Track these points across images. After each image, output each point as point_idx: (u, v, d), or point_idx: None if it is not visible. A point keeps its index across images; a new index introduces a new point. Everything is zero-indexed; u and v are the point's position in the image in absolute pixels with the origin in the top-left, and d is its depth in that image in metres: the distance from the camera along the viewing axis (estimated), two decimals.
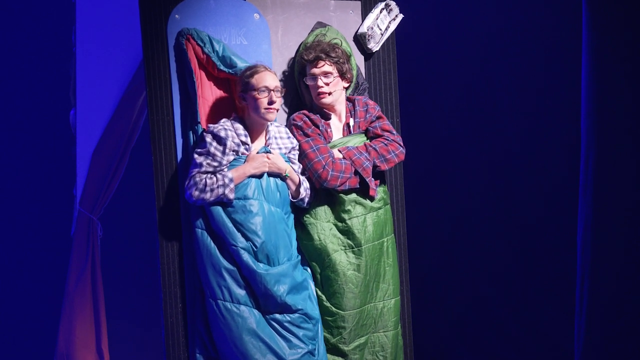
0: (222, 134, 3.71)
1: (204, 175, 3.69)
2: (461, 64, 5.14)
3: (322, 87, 3.95)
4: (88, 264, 4.86)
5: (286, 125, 4.02)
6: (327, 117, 4.02)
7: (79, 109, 4.78)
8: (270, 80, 3.75)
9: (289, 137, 3.93)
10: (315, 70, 3.94)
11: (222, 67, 3.85)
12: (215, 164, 3.70)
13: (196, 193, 3.67)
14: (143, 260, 5.70)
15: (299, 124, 3.95)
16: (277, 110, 3.80)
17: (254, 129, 3.82)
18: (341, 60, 3.97)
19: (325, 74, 3.95)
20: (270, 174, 3.81)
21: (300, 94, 4.09)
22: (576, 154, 3.92)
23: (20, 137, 5.73)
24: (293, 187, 3.87)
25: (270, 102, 3.74)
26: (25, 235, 5.76)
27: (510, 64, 4.90)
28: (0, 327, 5.69)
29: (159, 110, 3.85)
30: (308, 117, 3.97)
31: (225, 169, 3.73)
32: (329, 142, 4.01)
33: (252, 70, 3.77)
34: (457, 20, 5.16)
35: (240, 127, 3.77)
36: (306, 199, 3.91)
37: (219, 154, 3.71)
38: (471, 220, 5.14)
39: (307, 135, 3.93)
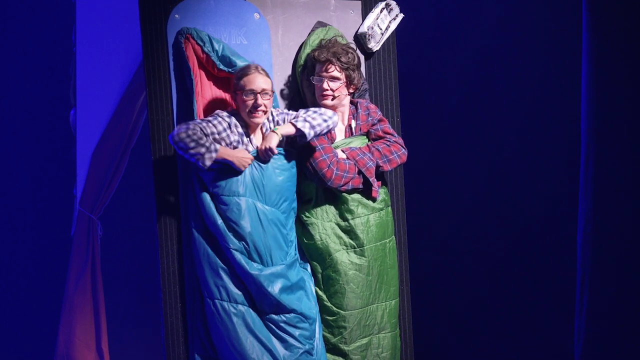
0: (227, 119, 3.72)
1: (198, 128, 3.62)
2: (461, 64, 5.14)
3: (327, 89, 3.94)
4: (88, 264, 4.86)
5: None
6: None
7: (79, 109, 4.77)
8: (258, 82, 3.70)
9: (279, 114, 3.88)
10: (324, 74, 3.93)
11: (221, 67, 3.85)
12: (211, 129, 3.65)
13: (183, 135, 3.56)
14: (143, 260, 5.70)
15: None
16: (266, 113, 3.75)
17: (250, 125, 3.81)
18: (351, 67, 3.96)
19: (333, 78, 3.94)
20: (265, 161, 3.77)
21: (301, 93, 4.09)
22: (576, 154, 3.92)
23: (21, 137, 5.73)
24: (293, 131, 3.78)
25: (255, 106, 3.70)
26: (25, 235, 5.76)
27: (510, 64, 4.90)
28: (0, 327, 5.69)
29: (159, 110, 3.85)
30: None
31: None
32: (332, 143, 4.00)
33: (244, 71, 3.74)
34: (457, 20, 5.16)
35: (236, 121, 3.76)
36: (314, 127, 3.77)
37: (220, 126, 3.68)
38: (471, 221, 5.14)
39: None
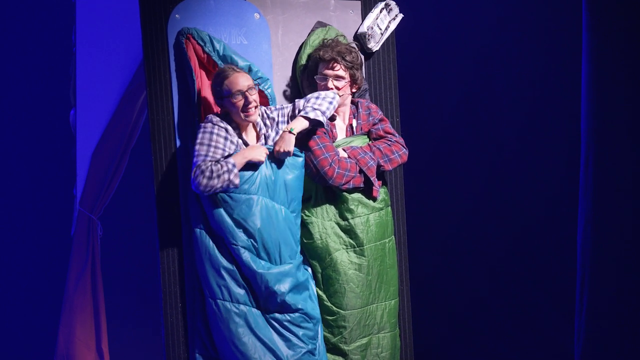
0: (222, 124, 3.71)
1: (209, 163, 3.65)
2: (461, 64, 5.14)
3: (331, 88, 3.95)
4: (88, 264, 4.86)
5: None
6: (332, 118, 4.02)
7: (79, 109, 4.77)
8: (241, 81, 3.69)
9: (272, 112, 3.87)
10: (329, 72, 3.94)
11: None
12: (219, 152, 3.67)
13: (204, 181, 3.60)
14: (143, 260, 5.70)
15: None
16: (257, 107, 3.74)
17: (242, 125, 3.80)
18: (355, 67, 3.98)
19: (338, 77, 3.95)
20: (280, 159, 3.78)
21: (302, 93, 4.09)
22: (576, 154, 3.92)
23: (21, 137, 5.73)
24: (307, 124, 3.80)
25: (247, 104, 3.70)
26: (25, 235, 5.76)
27: (510, 64, 4.90)
28: (0, 327, 5.69)
29: (159, 110, 3.85)
30: None
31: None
32: (333, 142, 4.00)
33: (222, 75, 3.72)
34: (457, 20, 5.16)
35: (230, 124, 3.76)
36: (325, 113, 3.81)
37: (221, 140, 3.68)
38: (471, 221, 5.14)
39: (313, 133, 3.92)
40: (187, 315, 3.85)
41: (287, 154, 3.77)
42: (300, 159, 3.86)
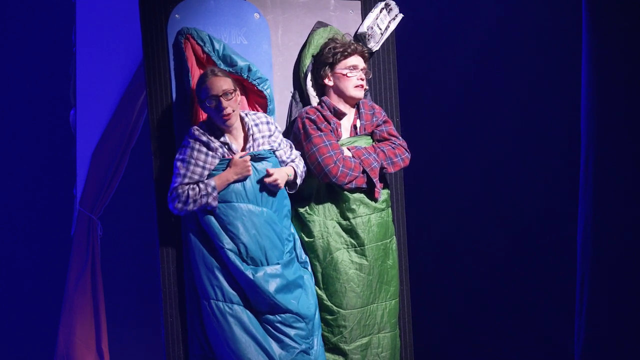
0: (204, 138, 3.67)
1: (187, 187, 3.64)
2: (461, 64, 5.14)
3: (363, 79, 3.99)
4: (88, 263, 4.86)
5: (297, 117, 3.98)
6: (340, 117, 4.01)
7: (79, 109, 4.77)
8: (217, 86, 3.62)
9: (268, 123, 3.83)
10: (359, 64, 3.98)
11: (223, 66, 3.83)
12: (199, 170, 3.65)
13: (179, 206, 3.63)
14: (143, 260, 5.71)
15: (313, 117, 3.93)
16: (233, 112, 3.66)
17: (226, 129, 3.75)
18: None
19: (364, 69, 4.01)
20: (255, 161, 3.74)
21: (304, 92, 4.08)
22: (576, 154, 3.93)
23: (21, 137, 5.74)
24: (292, 178, 3.85)
25: (220, 109, 3.62)
26: (25, 235, 5.76)
27: (510, 64, 4.90)
28: (0, 327, 5.69)
29: (159, 110, 3.85)
30: (321, 112, 3.96)
31: (207, 178, 3.69)
32: (338, 141, 4.00)
33: (202, 78, 3.67)
34: (457, 20, 5.16)
35: (215, 130, 3.72)
36: (295, 180, 3.88)
37: (202, 156, 3.66)
38: (471, 221, 5.14)
39: (320, 130, 3.91)
40: (187, 315, 3.85)
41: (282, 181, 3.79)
42: (275, 160, 3.84)
